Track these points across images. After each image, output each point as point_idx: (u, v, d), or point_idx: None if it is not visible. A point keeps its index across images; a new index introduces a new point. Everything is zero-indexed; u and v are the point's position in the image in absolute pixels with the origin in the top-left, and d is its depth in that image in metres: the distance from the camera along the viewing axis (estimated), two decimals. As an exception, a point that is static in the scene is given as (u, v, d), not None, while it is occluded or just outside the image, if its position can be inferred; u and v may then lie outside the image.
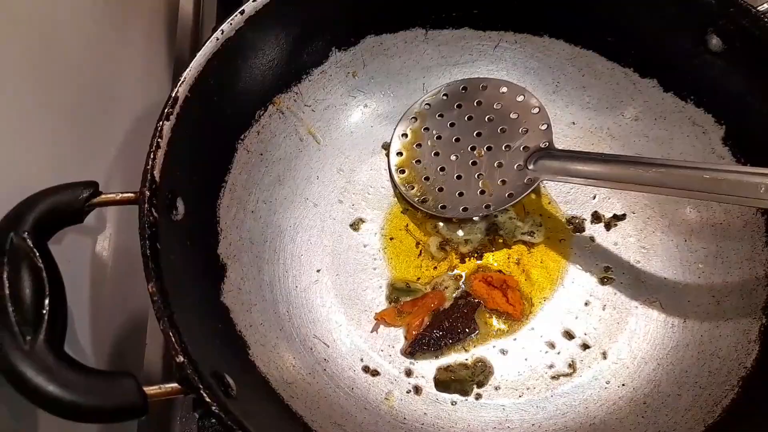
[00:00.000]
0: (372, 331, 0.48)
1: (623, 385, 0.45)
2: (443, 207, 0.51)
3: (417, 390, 0.46)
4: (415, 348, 0.47)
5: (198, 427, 0.45)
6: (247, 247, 0.48)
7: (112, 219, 0.48)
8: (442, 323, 0.48)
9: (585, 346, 0.47)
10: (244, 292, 0.46)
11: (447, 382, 0.46)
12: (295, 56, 0.51)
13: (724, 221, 0.48)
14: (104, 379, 0.31)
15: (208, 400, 0.32)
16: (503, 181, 0.51)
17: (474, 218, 0.51)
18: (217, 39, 0.44)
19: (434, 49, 0.56)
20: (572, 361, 0.46)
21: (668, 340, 0.46)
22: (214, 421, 0.43)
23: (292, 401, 0.41)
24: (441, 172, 0.52)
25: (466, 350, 0.47)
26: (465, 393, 0.46)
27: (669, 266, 0.49)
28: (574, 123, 0.55)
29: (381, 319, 0.48)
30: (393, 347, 0.48)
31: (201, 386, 0.32)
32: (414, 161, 0.54)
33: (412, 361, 0.47)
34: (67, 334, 0.33)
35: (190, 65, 0.43)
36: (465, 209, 0.51)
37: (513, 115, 0.52)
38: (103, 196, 0.38)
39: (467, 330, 0.48)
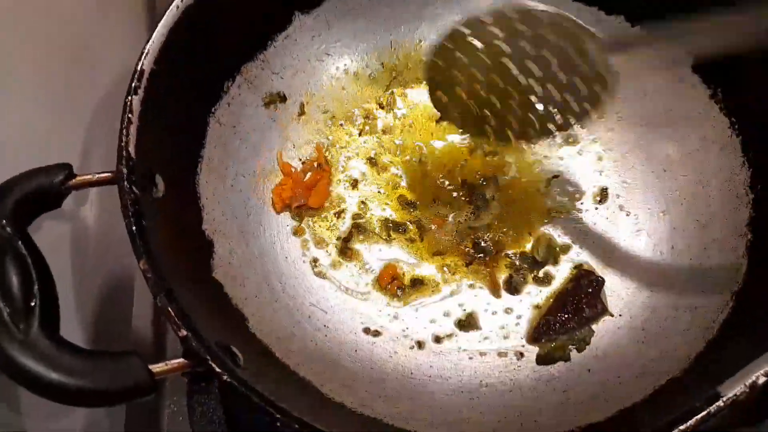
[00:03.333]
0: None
1: (620, 315, 0.46)
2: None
3: (420, 345, 0.46)
4: (541, 333, 0.45)
5: (188, 392, 0.43)
6: (231, 221, 0.47)
7: (90, 198, 0.46)
8: (566, 306, 0.46)
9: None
10: (235, 266, 0.45)
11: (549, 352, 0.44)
12: (257, 22, 0.50)
13: (701, 147, 0.49)
14: (108, 361, 0.30)
15: (218, 370, 0.31)
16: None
17: None
18: (177, 7, 0.42)
19: (399, 4, 0.55)
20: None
21: (659, 267, 0.47)
22: (203, 384, 0.42)
23: (298, 368, 0.41)
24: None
25: None
26: (567, 359, 0.44)
27: (651, 197, 0.50)
28: (544, 66, 0.55)
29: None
30: (390, 306, 0.47)
31: (208, 357, 0.31)
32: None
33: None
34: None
35: (152, 37, 0.41)
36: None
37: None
38: (78, 178, 0.36)
39: (595, 310, 0.45)
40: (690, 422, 0.30)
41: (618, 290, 0.47)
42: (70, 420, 0.41)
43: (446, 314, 0.47)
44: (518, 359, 0.45)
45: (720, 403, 0.30)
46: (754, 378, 0.30)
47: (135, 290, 0.49)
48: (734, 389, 0.30)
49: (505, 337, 0.46)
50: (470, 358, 0.45)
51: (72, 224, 0.46)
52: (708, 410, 0.30)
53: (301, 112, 0.53)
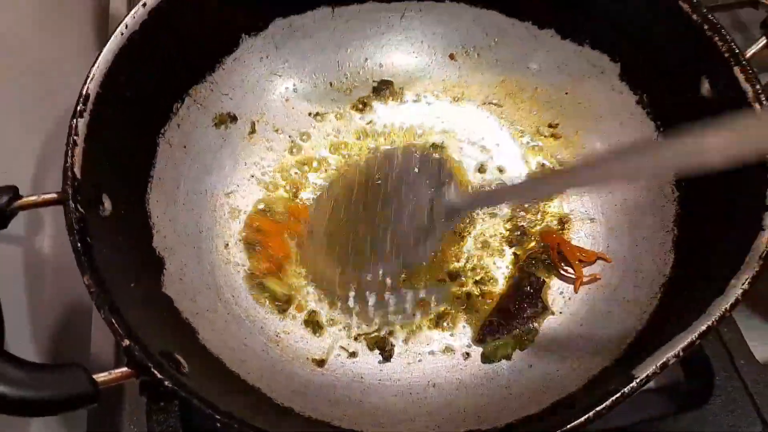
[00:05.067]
0: None
1: (560, 312, 0.48)
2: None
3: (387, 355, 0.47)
4: (486, 334, 0.47)
5: (147, 412, 0.44)
6: (183, 239, 0.48)
7: (48, 219, 0.47)
8: (509, 306, 0.47)
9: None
10: (186, 282, 0.46)
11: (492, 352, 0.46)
12: (205, 45, 0.52)
13: (631, 150, 0.52)
14: (51, 372, 0.31)
15: (159, 376, 0.32)
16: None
17: None
18: (122, 33, 0.44)
19: (343, 26, 0.57)
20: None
21: (595, 266, 0.49)
22: (162, 404, 0.43)
23: (248, 376, 0.42)
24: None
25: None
26: (509, 358, 0.46)
27: (588, 200, 0.52)
28: (483, 81, 0.58)
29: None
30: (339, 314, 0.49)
31: (150, 365, 0.33)
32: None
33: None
34: (7, 337, 0.33)
35: (97, 61, 0.43)
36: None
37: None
38: (24, 199, 0.37)
39: (536, 309, 0.47)
40: (606, 403, 0.32)
41: (560, 288, 0.49)
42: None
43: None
44: (465, 359, 0.47)
45: (633, 384, 0.32)
46: (665, 359, 0.33)
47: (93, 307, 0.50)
48: (646, 371, 0.33)
49: (452, 336, 0.48)
50: (419, 361, 0.47)
51: (26, 248, 0.47)
52: (622, 391, 0.32)
53: (252, 131, 0.55)
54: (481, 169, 0.54)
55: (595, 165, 0.37)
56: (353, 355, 0.46)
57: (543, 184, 0.44)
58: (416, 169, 0.47)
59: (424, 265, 0.48)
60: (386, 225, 0.46)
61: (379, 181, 0.48)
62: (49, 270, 0.47)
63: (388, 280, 0.48)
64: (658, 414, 0.46)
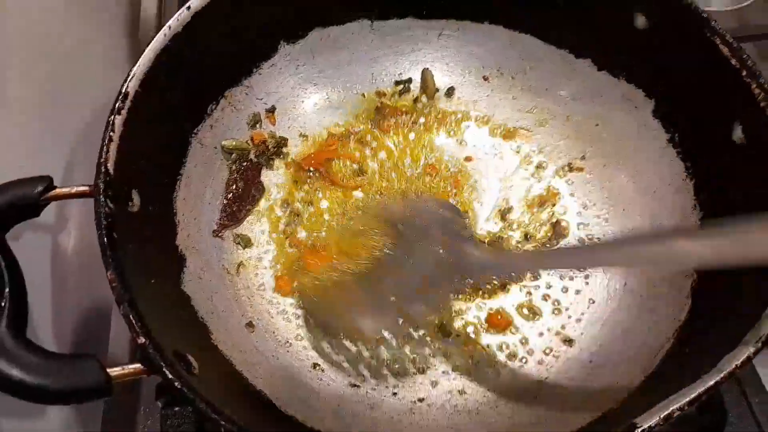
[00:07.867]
0: None
1: (571, 346, 0.48)
2: None
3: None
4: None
5: (161, 416, 0.45)
6: (206, 238, 0.50)
7: (75, 213, 0.49)
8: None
9: (533, 314, 0.49)
10: (205, 281, 0.47)
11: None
12: (244, 50, 0.53)
13: (658, 188, 0.51)
14: (68, 362, 0.32)
15: (170, 376, 0.33)
16: None
17: None
18: (165, 35, 0.45)
19: (381, 40, 0.58)
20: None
21: (611, 302, 0.49)
22: (177, 409, 0.44)
23: (255, 381, 0.43)
24: None
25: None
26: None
27: (610, 234, 0.52)
28: (514, 106, 0.58)
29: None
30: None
31: (163, 364, 0.34)
32: None
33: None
34: (29, 325, 0.34)
35: (139, 61, 0.44)
36: None
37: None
38: (57, 190, 0.39)
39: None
40: (604, 450, 0.32)
41: (572, 323, 0.49)
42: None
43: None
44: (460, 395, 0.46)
45: (635, 433, 0.32)
46: (669, 411, 0.32)
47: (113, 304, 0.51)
48: (650, 421, 0.32)
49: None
50: (421, 383, 0.47)
51: (54, 239, 0.48)
52: (623, 439, 0.32)
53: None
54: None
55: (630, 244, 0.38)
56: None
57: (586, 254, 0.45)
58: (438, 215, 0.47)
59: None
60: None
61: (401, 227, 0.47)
62: (74, 262, 0.49)
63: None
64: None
